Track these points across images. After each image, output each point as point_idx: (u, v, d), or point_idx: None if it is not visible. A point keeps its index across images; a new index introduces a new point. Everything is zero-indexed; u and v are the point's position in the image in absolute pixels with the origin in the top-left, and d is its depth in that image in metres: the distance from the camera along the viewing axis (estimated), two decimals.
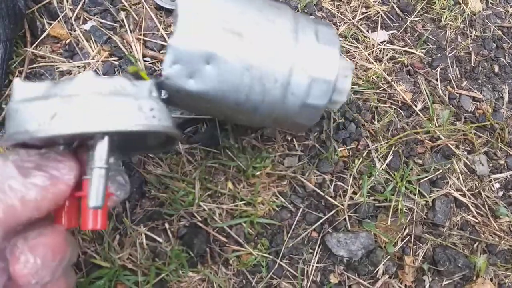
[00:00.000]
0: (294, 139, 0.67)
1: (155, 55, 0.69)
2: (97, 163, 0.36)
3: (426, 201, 0.67)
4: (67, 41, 0.69)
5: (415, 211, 0.66)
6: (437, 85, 0.76)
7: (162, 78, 0.42)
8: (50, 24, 0.69)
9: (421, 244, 0.65)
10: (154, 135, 0.45)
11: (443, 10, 0.84)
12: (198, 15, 0.43)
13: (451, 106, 0.75)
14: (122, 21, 0.71)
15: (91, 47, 0.69)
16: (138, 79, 0.41)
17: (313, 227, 0.62)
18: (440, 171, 0.70)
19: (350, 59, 0.74)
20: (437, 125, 0.72)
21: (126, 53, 0.68)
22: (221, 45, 0.42)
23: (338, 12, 0.78)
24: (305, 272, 0.60)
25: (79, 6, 0.71)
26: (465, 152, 0.73)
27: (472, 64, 0.81)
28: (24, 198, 0.33)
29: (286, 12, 0.47)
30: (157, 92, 0.41)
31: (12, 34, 0.63)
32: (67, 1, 0.71)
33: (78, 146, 0.40)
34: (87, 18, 0.71)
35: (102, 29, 0.70)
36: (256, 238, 0.61)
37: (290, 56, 0.44)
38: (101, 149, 0.37)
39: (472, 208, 0.69)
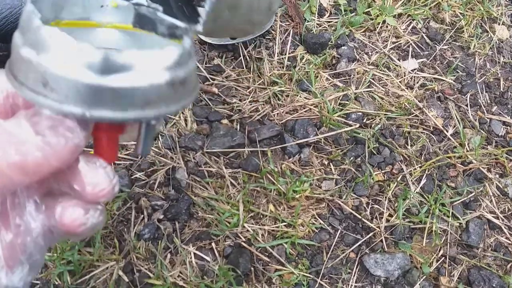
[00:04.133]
0: (331, 164, 0.70)
1: (200, 86, 0.75)
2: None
3: (460, 223, 0.70)
4: None
5: (449, 232, 0.69)
6: (468, 110, 0.79)
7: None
8: None
9: (456, 265, 0.67)
10: None
11: (471, 38, 0.87)
12: None
13: (481, 130, 0.78)
14: None
15: None
16: None
17: (352, 248, 0.65)
18: (473, 194, 0.72)
19: (383, 87, 0.78)
20: (468, 149, 0.75)
21: None
22: None
23: (369, 43, 0.83)
24: None
25: None
26: (497, 175, 0.75)
27: (501, 89, 0.84)
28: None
29: None
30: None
31: None
32: None
33: None
34: None
35: None
36: (297, 258, 0.64)
37: None
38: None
39: (505, 230, 0.71)
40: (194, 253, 0.62)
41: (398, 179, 0.71)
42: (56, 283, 0.58)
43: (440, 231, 0.68)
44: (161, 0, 0.47)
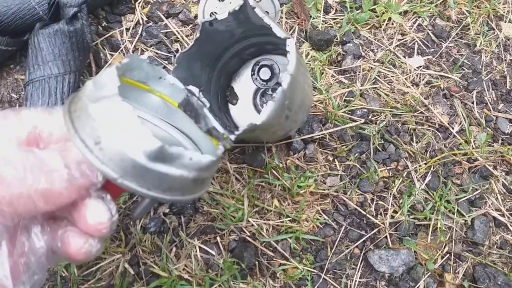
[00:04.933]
0: (335, 160, 0.71)
1: None
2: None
3: (465, 220, 0.70)
4: None
5: (454, 229, 0.68)
6: (473, 108, 0.79)
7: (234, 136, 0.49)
8: (112, 55, 0.77)
9: (461, 262, 0.67)
10: None
11: (477, 36, 0.87)
12: None
13: (487, 128, 0.77)
14: (176, 51, 0.78)
15: None
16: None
17: (356, 244, 0.66)
18: (479, 191, 0.72)
19: (388, 84, 0.78)
20: (474, 146, 0.75)
21: None
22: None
23: (375, 40, 0.83)
24: (348, 286, 0.63)
25: (137, 38, 0.78)
26: (503, 173, 0.74)
27: (507, 87, 0.83)
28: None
29: None
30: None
31: (81, 65, 0.70)
32: (127, 34, 0.79)
33: None
34: (144, 49, 0.78)
35: (158, 59, 0.77)
36: (301, 253, 0.64)
37: None
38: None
39: (511, 228, 0.70)
40: (199, 247, 0.63)
41: (403, 175, 0.71)
42: (63, 274, 0.59)
43: (445, 228, 0.68)
44: (210, 98, 0.54)
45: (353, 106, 0.74)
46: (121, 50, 0.77)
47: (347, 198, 0.68)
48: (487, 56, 0.85)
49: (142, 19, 0.81)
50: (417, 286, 0.64)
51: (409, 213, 0.68)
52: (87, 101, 0.35)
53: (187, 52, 0.57)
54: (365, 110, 0.74)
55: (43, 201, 0.31)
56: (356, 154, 0.71)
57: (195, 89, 0.53)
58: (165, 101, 0.51)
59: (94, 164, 0.33)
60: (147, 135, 0.33)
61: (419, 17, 0.87)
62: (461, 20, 0.88)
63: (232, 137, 0.48)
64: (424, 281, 0.65)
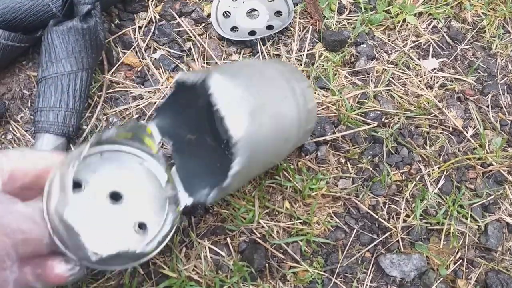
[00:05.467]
0: (347, 162, 0.70)
1: None
2: None
3: (478, 226, 0.69)
4: (139, 69, 0.76)
5: (467, 235, 0.68)
6: (488, 111, 0.78)
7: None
8: (124, 53, 0.76)
9: (473, 268, 0.66)
10: None
11: (493, 39, 0.85)
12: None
13: (502, 132, 0.76)
14: (189, 50, 0.77)
15: (160, 74, 0.75)
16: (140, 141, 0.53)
17: (367, 248, 0.65)
18: (492, 196, 0.71)
19: (402, 86, 0.77)
20: (488, 151, 0.73)
21: None
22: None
23: (389, 41, 0.82)
24: None
25: (150, 36, 0.78)
26: None
27: None
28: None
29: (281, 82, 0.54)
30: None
31: (93, 63, 0.70)
32: (139, 33, 0.79)
33: None
34: (157, 48, 0.78)
35: (170, 57, 0.77)
36: (312, 256, 0.64)
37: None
38: None
39: None
40: (209, 248, 0.62)
41: (416, 179, 0.70)
42: None
43: (458, 233, 0.67)
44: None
45: (366, 108, 0.73)
46: (133, 48, 0.77)
47: (359, 201, 0.67)
48: (502, 59, 0.84)
49: (155, 17, 0.80)
50: None
51: (421, 217, 0.67)
52: (62, 215, 0.42)
53: (165, 102, 0.55)
54: (379, 112, 0.73)
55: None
56: (369, 157, 0.70)
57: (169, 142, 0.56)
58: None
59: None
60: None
61: (434, 18, 0.85)
62: (476, 23, 0.87)
63: (189, 202, 0.52)
64: (436, 286, 0.64)
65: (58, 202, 0.42)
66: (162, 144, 0.54)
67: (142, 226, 0.51)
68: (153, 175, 0.54)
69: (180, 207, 0.51)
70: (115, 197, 0.51)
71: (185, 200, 0.52)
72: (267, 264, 0.62)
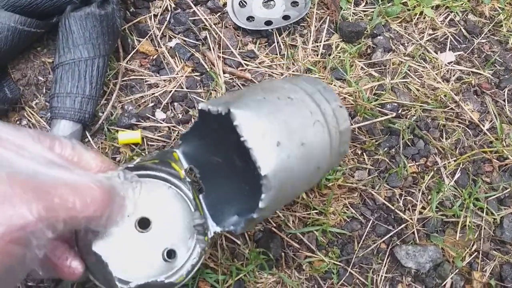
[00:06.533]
0: (364, 154, 0.70)
1: (233, 71, 0.74)
2: None
3: (494, 219, 0.68)
4: (154, 57, 0.75)
5: (482, 227, 0.67)
6: (505, 105, 0.77)
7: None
8: (140, 41, 0.76)
9: (488, 261, 0.66)
10: None
11: (510, 33, 0.85)
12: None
13: None
14: (204, 39, 0.77)
15: (175, 63, 0.75)
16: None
17: (383, 239, 0.65)
18: (508, 190, 0.70)
19: (418, 79, 0.77)
20: (505, 144, 0.73)
21: (208, 69, 0.74)
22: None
23: (406, 34, 0.81)
24: (374, 281, 0.63)
25: (165, 25, 0.78)
26: None
27: None
28: None
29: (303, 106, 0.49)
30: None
31: (110, 50, 0.70)
32: (155, 21, 0.78)
33: None
34: (172, 36, 0.78)
35: (186, 46, 0.76)
36: (327, 246, 0.64)
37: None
38: None
39: None
40: (225, 236, 0.62)
41: (433, 171, 0.69)
42: None
43: (474, 225, 0.67)
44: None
45: (383, 100, 0.73)
46: (149, 36, 0.77)
47: (375, 192, 0.67)
48: None
49: (170, 5, 0.80)
50: (444, 283, 0.63)
51: (437, 209, 0.67)
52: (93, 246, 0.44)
53: (190, 129, 0.52)
54: (395, 104, 0.73)
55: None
56: (385, 149, 0.70)
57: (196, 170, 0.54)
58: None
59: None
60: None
61: (451, 11, 0.85)
62: (493, 17, 0.86)
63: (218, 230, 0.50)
64: (451, 278, 0.64)
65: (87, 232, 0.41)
66: (190, 169, 0.53)
67: (170, 253, 0.48)
68: (181, 200, 0.52)
69: (209, 237, 0.49)
70: (144, 223, 0.49)
71: (214, 228, 0.50)
72: (283, 253, 0.62)
